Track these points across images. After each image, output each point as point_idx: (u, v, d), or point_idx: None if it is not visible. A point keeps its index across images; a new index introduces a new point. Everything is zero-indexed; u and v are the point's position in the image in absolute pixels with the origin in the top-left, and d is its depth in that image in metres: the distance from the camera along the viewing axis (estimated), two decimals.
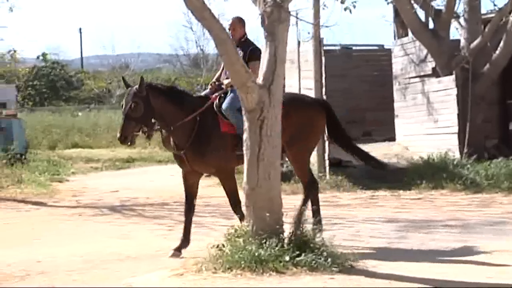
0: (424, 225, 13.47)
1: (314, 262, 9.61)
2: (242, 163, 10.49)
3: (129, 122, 11.11)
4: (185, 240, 11.30)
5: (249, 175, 10.27)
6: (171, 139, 11.40)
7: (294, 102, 11.88)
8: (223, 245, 10.18)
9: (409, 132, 21.66)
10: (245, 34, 11.72)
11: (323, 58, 18.64)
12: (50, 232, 10.15)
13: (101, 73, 55.05)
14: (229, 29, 11.29)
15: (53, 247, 10.17)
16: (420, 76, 21.74)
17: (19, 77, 47.48)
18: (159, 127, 11.48)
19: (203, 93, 12.32)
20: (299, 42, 19.09)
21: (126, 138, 11.12)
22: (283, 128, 10.33)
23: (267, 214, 10.13)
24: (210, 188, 18.46)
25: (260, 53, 10.38)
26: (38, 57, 52.24)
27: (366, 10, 19.60)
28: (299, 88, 19.14)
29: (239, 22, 11.70)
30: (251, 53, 11.36)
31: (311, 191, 12.00)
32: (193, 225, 13.35)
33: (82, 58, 67.49)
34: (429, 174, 18.11)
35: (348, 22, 27.55)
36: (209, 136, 11.26)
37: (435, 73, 20.96)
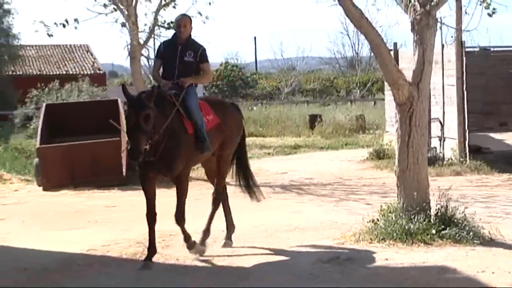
0: None
1: (457, 235, 9.49)
2: (198, 163, 10.14)
3: (143, 135, 8.45)
4: (152, 247, 9.06)
5: (400, 160, 10.24)
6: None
7: (226, 107, 10.41)
8: (377, 220, 10.17)
9: None
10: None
11: (464, 59, 18.28)
12: (232, 207, 10.28)
13: (272, 74, 55.63)
14: (179, 27, 9.64)
15: (234, 219, 10.31)
16: None
17: None
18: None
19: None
20: (443, 45, 18.65)
21: (140, 154, 8.47)
22: (221, 130, 9.74)
23: (415, 193, 10.06)
24: (365, 171, 18.41)
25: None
26: (221, 64, 53.24)
27: (503, 15, 18.95)
28: (443, 85, 18.78)
29: (189, 20, 9.81)
30: (203, 54, 9.67)
31: (221, 196, 10.29)
32: (351, 202, 13.38)
33: (256, 61, 68.37)
34: None
35: (486, 26, 26.78)
36: (178, 139, 9.03)
37: None
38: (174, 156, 8.93)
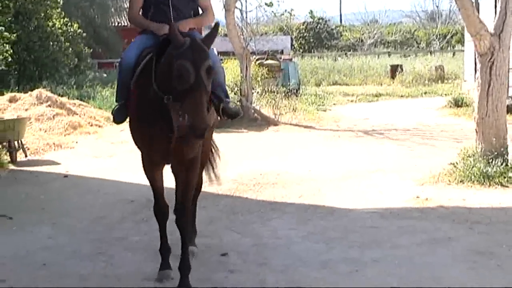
0: None
1: None
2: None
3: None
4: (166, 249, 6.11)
5: (480, 107, 10.02)
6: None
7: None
8: (456, 163, 10.01)
9: None
10: None
11: None
12: (318, 149, 10.23)
13: (356, 27, 54.85)
14: None
15: (319, 161, 10.29)
16: None
17: (293, 31, 48.29)
18: None
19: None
20: None
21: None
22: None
23: (494, 139, 9.87)
24: (444, 118, 18.10)
25: None
26: (307, 14, 52.79)
27: None
28: None
29: None
30: None
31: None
32: (429, 146, 13.14)
33: (341, 15, 67.66)
34: None
35: None
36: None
37: None
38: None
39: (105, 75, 30.41)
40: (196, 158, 5.79)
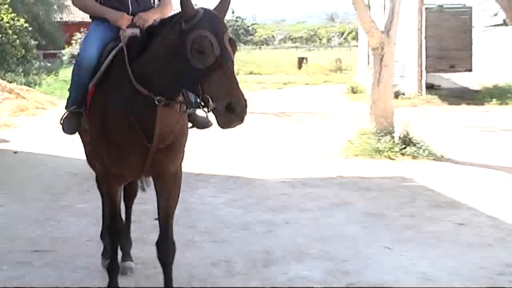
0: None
1: (415, 152, 9.55)
2: None
3: None
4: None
5: (373, 93, 10.23)
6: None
7: None
8: (353, 140, 10.21)
9: (482, 65, 20.76)
10: None
11: (423, 13, 18.14)
12: (235, 129, 10.23)
13: (267, 25, 54.90)
14: None
15: (237, 139, 10.24)
16: (493, 26, 20.82)
17: None
18: None
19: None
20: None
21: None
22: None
23: (383, 120, 10.08)
24: (341, 102, 18.36)
25: None
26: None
27: None
28: (406, 33, 18.75)
29: None
30: None
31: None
32: (329, 126, 13.34)
33: (254, 14, 67.52)
34: (497, 94, 17.40)
35: None
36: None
37: (505, 23, 19.96)
38: (171, 130, 3.95)
39: (49, 64, 29.84)
40: (179, 170, 4.21)
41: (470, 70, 21.51)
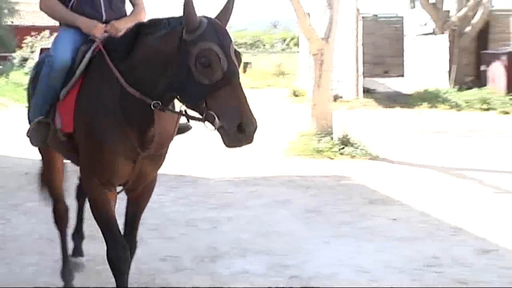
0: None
1: (353, 152, 9.66)
2: None
3: None
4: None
5: (313, 96, 10.34)
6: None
7: None
8: (294, 141, 10.27)
9: (414, 71, 21.24)
10: None
11: (359, 22, 18.39)
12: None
13: None
14: None
15: (185, 139, 10.18)
16: (423, 34, 21.34)
17: None
18: None
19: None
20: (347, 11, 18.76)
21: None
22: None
23: (323, 121, 10.18)
24: (283, 105, 18.44)
25: None
26: None
27: None
28: (344, 41, 19.01)
29: None
30: None
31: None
32: (272, 127, 13.37)
33: None
34: (427, 98, 17.81)
35: None
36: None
37: (434, 32, 20.49)
38: (169, 137, 3.71)
39: (1, 66, 29.14)
40: (155, 179, 3.88)
41: (403, 75, 22.05)
